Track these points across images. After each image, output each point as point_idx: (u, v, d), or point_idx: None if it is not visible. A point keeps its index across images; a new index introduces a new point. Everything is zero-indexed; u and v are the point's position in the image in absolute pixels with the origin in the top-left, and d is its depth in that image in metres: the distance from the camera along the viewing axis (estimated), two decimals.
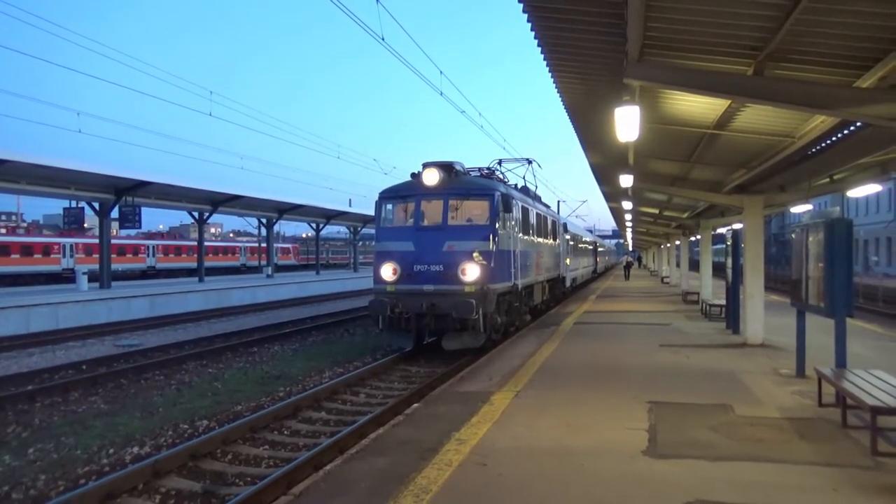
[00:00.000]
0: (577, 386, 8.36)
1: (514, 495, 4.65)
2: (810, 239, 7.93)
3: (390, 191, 13.48)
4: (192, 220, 33.67)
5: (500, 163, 17.27)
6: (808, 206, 15.62)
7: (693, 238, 28.63)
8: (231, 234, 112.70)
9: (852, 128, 7.79)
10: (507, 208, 13.03)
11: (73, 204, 28.20)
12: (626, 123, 7.51)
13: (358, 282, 40.33)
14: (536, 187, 20.89)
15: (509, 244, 13.37)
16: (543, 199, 20.98)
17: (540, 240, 17.56)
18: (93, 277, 25.27)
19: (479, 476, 5.04)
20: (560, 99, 9.53)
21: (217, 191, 28.30)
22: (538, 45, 7.11)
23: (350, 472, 5.24)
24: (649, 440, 5.89)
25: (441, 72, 15.95)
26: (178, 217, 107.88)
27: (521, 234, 14.62)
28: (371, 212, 15.13)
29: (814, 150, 9.14)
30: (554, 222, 21.30)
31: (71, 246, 42.12)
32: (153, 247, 50.12)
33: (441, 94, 16.01)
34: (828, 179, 11.78)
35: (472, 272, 11.97)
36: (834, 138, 8.42)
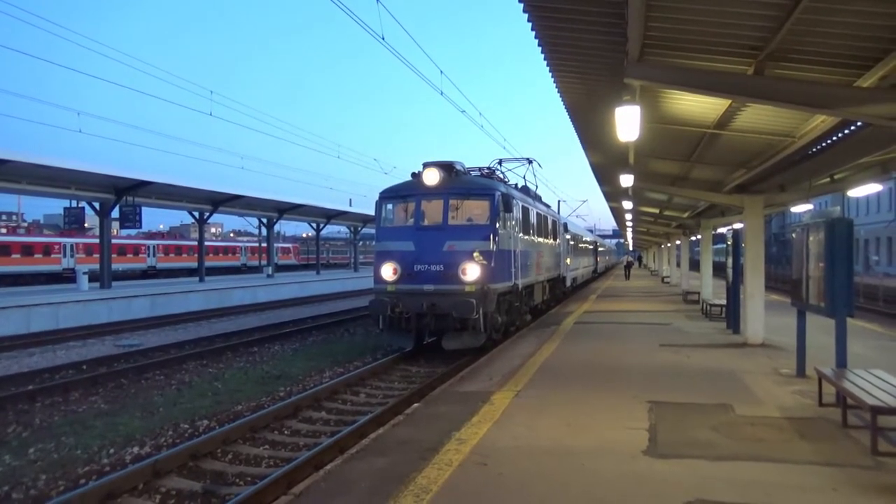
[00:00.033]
0: (577, 386, 8.36)
1: (515, 495, 4.65)
2: (811, 238, 7.92)
3: (390, 190, 13.48)
4: (193, 220, 33.67)
5: (500, 162, 17.28)
6: (809, 206, 15.62)
7: (693, 238, 28.63)
8: (231, 234, 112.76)
9: (853, 127, 7.78)
10: (508, 208, 13.02)
11: (74, 204, 28.20)
12: (627, 123, 7.51)
13: (358, 281, 40.33)
14: (537, 187, 20.90)
15: (510, 244, 13.37)
16: (544, 199, 20.99)
17: (540, 239, 17.56)
18: (93, 277, 25.28)
19: (480, 476, 5.04)
20: (560, 99, 9.53)
21: (217, 191, 28.30)
22: (538, 45, 7.11)
23: (350, 472, 5.24)
24: (650, 440, 5.89)
25: (441, 71, 15.96)
26: (179, 217, 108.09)
27: (521, 234, 14.62)
28: (371, 211, 15.13)
29: (814, 149, 9.14)
30: (554, 222, 21.30)
31: (71, 246, 42.14)
32: (153, 247, 50.13)
33: (441, 93, 16.02)
34: (828, 179, 11.78)
35: (472, 272, 11.97)
36: (834, 138, 8.42)
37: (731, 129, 9.31)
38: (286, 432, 8.31)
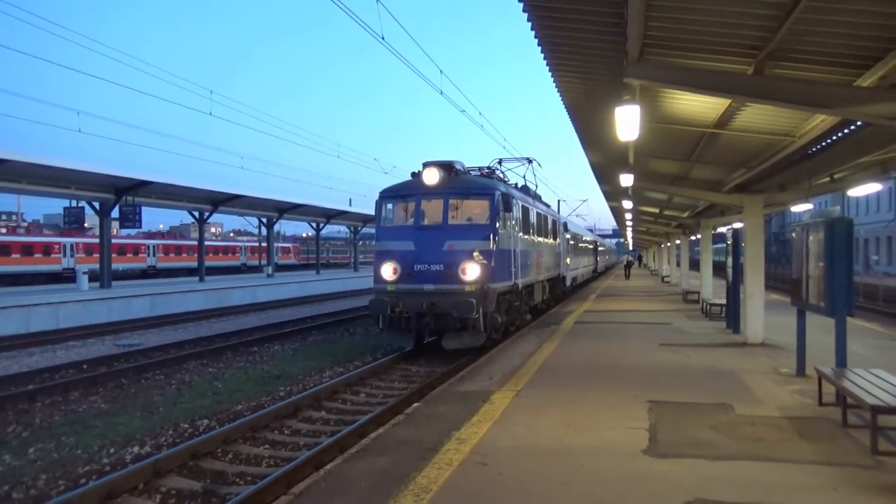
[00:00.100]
0: (577, 385, 8.36)
1: (515, 495, 4.65)
2: (810, 238, 7.93)
3: (390, 190, 13.48)
4: (193, 220, 33.66)
5: (500, 162, 17.28)
6: (809, 206, 15.62)
7: (693, 237, 28.62)
8: (231, 234, 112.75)
9: (852, 127, 7.79)
10: (508, 207, 13.02)
11: (74, 203, 28.22)
12: (627, 123, 7.51)
13: (358, 281, 40.33)
14: (537, 186, 20.88)
15: (509, 243, 13.37)
16: (544, 199, 20.98)
17: (540, 239, 17.56)
18: (93, 277, 25.29)
19: (480, 475, 5.04)
20: (560, 98, 9.53)
21: (217, 190, 28.30)
22: (538, 45, 7.11)
23: (350, 472, 5.24)
24: (650, 439, 5.89)
25: (441, 71, 15.97)
26: (179, 217, 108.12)
27: (521, 234, 14.62)
28: (371, 211, 15.12)
29: (814, 149, 9.14)
30: (554, 221, 21.29)
31: (71, 245, 42.14)
32: (153, 246, 50.13)
33: (441, 93, 16.02)
34: (828, 178, 11.78)
35: (472, 271, 11.97)
36: (834, 137, 8.42)
37: (730, 128, 9.31)
38: (286, 432, 8.31)
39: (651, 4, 5.36)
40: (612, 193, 22.90)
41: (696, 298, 20.75)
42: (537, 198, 19.13)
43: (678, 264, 34.14)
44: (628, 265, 48.43)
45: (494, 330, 12.70)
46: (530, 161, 19.30)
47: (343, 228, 57.93)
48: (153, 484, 6.31)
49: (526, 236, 15.31)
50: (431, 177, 12.63)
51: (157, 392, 10.81)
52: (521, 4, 5.89)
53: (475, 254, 12.07)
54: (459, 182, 13.01)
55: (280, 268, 50.70)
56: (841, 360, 7.22)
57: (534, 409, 7.10)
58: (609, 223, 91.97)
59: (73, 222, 28.76)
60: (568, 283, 24.59)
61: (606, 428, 6.31)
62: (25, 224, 66.66)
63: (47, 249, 40.79)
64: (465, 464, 5.29)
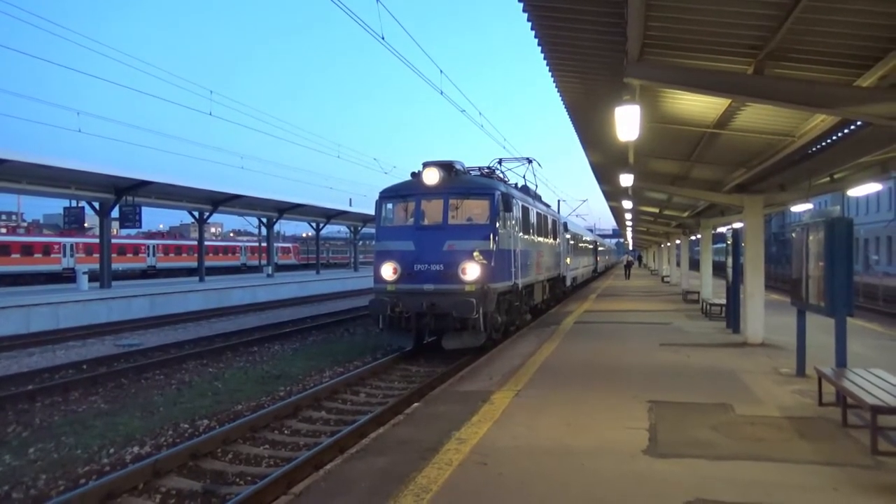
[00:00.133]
0: (577, 385, 8.36)
1: (515, 495, 4.65)
2: (810, 238, 7.93)
3: (390, 190, 13.47)
4: (193, 220, 33.66)
5: (500, 162, 17.29)
6: (809, 206, 15.62)
7: (693, 237, 28.62)
8: (231, 234, 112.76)
9: (852, 127, 7.79)
10: (508, 207, 13.02)
11: (74, 203, 28.22)
12: (627, 123, 7.50)
13: (358, 281, 40.33)
14: (537, 186, 20.88)
15: (510, 243, 13.37)
16: (544, 199, 20.98)
17: (540, 239, 17.56)
18: (93, 277, 25.29)
19: (480, 475, 5.04)
20: (560, 98, 9.53)
21: (217, 190, 28.30)
22: (538, 45, 7.11)
23: (350, 472, 5.24)
24: (650, 439, 5.89)
25: (441, 71, 15.96)
26: (179, 217, 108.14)
27: (521, 234, 14.62)
28: (371, 211, 15.12)
29: (814, 149, 9.14)
30: (554, 221, 21.29)
31: (71, 245, 42.14)
32: (153, 246, 50.13)
33: (441, 93, 16.02)
34: (828, 178, 11.77)
35: (472, 271, 11.97)
36: (834, 137, 8.42)
37: (730, 128, 9.31)
38: (286, 432, 8.31)
39: (651, 4, 5.36)
40: (612, 193, 22.90)
41: (696, 298, 20.75)
42: (537, 198, 19.13)
43: (678, 264, 34.14)
44: (628, 265, 48.46)
45: (494, 330, 12.70)
46: (530, 161, 19.31)
47: (343, 228, 57.94)
48: (153, 484, 6.31)
49: (526, 236, 15.31)
50: (431, 177, 12.63)
51: (157, 392, 10.81)
52: (521, 4, 5.89)
53: (475, 254, 12.07)
54: (459, 182, 13.01)
55: (280, 268, 50.71)
56: (841, 360, 7.22)
57: (534, 409, 7.10)
58: (609, 223, 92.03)
59: (72, 222, 28.76)
60: (568, 283, 24.59)
61: (606, 428, 6.31)
62: (25, 224, 66.65)
63: (47, 249, 40.80)
64: (465, 464, 5.29)
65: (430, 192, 12.74)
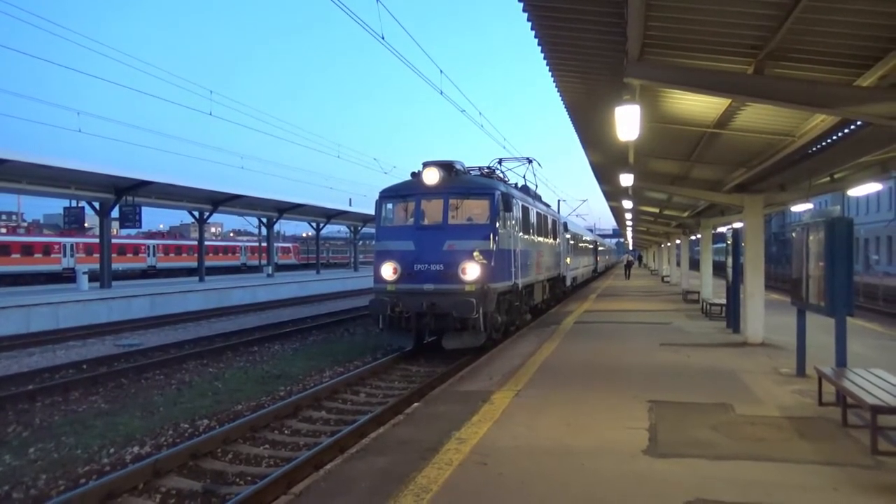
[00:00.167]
0: (577, 385, 8.36)
1: (515, 495, 4.65)
2: (811, 238, 7.92)
3: (390, 190, 13.47)
4: (193, 220, 33.65)
5: (500, 162, 17.29)
6: (809, 205, 15.63)
7: (693, 237, 28.63)
8: (231, 234, 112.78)
9: (852, 126, 7.78)
10: (508, 207, 13.02)
11: (74, 203, 28.21)
12: (627, 122, 7.50)
13: (358, 281, 40.33)
14: (537, 186, 20.89)
15: (510, 243, 13.37)
16: (544, 199, 20.99)
17: (540, 239, 17.56)
18: (93, 277, 25.28)
19: (480, 475, 5.04)
20: (560, 98, 9.53)
21: (217, 190, 28.30)
22: (538, 45, 7.10)
23: (350, 472, 5.24)
24: (650, 439, 5.89)
25: (441, 71, 15.97)
26: (179, 216, 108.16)
27: (521, 234, 14.62)
28: (371, 211, 15.13)
29: (814, 148, 9.14)
30: (554, 221, 21.29)
31: (71, 245, 42.14)
32: (153, 246, 50.14)
33: (441, 93, 16.02)
34: (828, 178, 11.78)
35: (472, 271, 11.96)
36: (834, 137, 8.42)
37: (730, 128, 9.31)
38: (286, 432, 8.31)
39: (651, 4, 5.36)
40: (612, 193, 22.90)
41: (696, 298, 20.75)
42: (537, 198, 19.13)
43: (678, 264, 34.14)
44: (628, 265, 48.46)
45: (494, 330, 12.70)
46: (530, 161, 19.31)
47: (343, 228, 57.93)
48: (153, 484, 6.31)
49: (526, 236, 15.31)
50: (431, 177, 12.63)
51: (157, 392, 10.81)
52: (521, 4, 5.89)
53: (475, 254, 12.07)
54: (459, 182, 13.01)
55: (280, 268, 50.71)
56: (841, 360, 7.22)
57: (534, 409, 7.10)
58: (609, 223, 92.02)
59: (73, 222, 28.76)
60: (568, 282, 24.59)
61: (606, 428, 6.31)
62: (25, 224, 66.66)
63: (47, 249, 40.80)
64: (465, 464, 5.29)
65: (430, 192, 12.74)
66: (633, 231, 44.05)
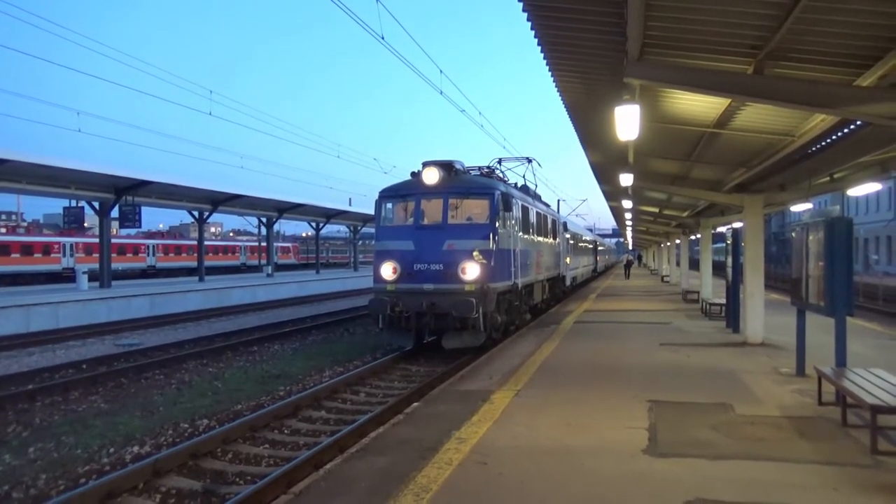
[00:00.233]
0: (577, 385, 8.36)
1: (515, 494, 4.65)
2: (810, 238, 7.93)
3: (390, 190, 13.47)
4: (192, 220, 33.65)
5: (500, 162, 17.29)
6: (809, 205, 15.64)
7: (693, 237, 28.63)
8: (231, 234, 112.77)
9: (852, 126, 7.79)
10: (507, 207, 13.02)
11: (74, 203, 28.20)
12: (626, 122, 7.51)
13: (358, 281, 40.33)
14: (536, 186, 20.89)
15: (509, 243, 13.37)
16: (543, 198, 20.99)
17: (540, 239, 17.56)
18: (93, 277, 25.28)
19: (480, 475, 5.04)
20: (560, 98, 9.53)
21: (217, 190, 28.29)
22: (538, 45, 7.11)
23: (350, 471, 5.24)
24: (649, 439, 5.89)
25: (441, 71, 15.97)
26: (178, 216, 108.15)
27: (521, 233, 14.62)
28: (371, 211, 15.13)
29: (814, 148, 9.14)
30: (554, 221, 21.29)
31: (71, 245, 42.13)
32: (153, 246, 50.13)
33: (441, 92, 16.02)
34: (828, 178, 11.78)
35: (472, 271, 11.97)
36: (834, 137, 8.42)
37: (730, 128, 9.31)
38: (286, 431, 8.31)
39: (651, 4, 5.36)
40: (612, 193, 22.90)
41: (696, 298, 20.75)
42: (537, 197, 19.13)
43: (678, 264, 34.14)
44: (628, 265, 48.51)
45: (494, 329, 12.70)
46: (530, 161, 19.31)
47: (343, 228, 57.93)
48: (153, 484, 6.31)
49: (526, 236, 15.31)
50: (431, 176, 12.63)
51: (157, 392, 10.80)
52: (521, 4, 5.89)
53: (475, 253, 12.07)
54: (459, 181, 13.00)
55: (280, 267, 50.70)
56: (841, 360, 7.22)
57: (534, 409, 7.10)
58: (609, 223, 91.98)
59: (72, 222, 28.75)
60: (568, 282, 24.59)
61: (606, 427, 6.31)
62: (25, 224, 66.62)
63: (47, 249, 40.78)
64: (464, 463, 5.29)
65: (430, 192, 12.74)
66: (633, 231, 44.05)
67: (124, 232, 48.44)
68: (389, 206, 13.41)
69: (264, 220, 39.13)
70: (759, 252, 12.06)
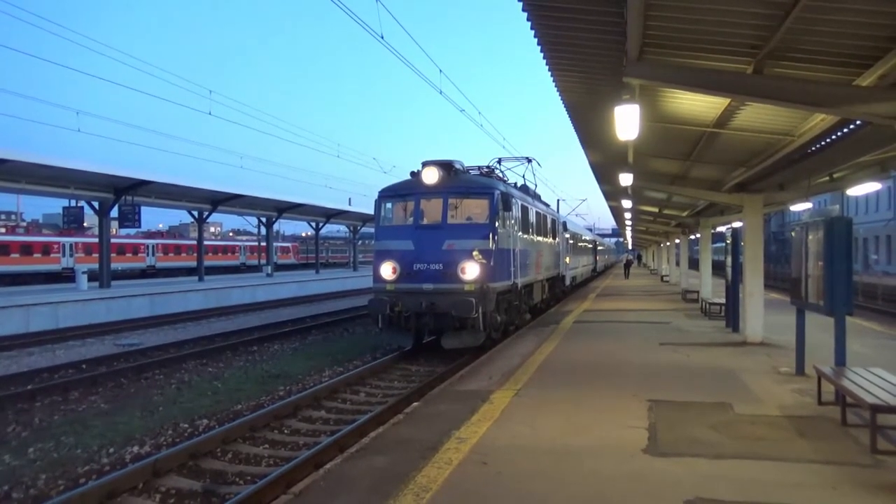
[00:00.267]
0: (577, 385, 8.36)
1: (514, 494, 4.65)
2: (810, 237, 7.93)
3: (390, 189, 13.47)
4: (192, 220, 33.64)
5: (499, 161, 17.28)
6: (808, 205, 15.63)
7: (693, 236, 28.64)
8: (230, 233, 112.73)
9: (852, 126, 7.79)
10: (507, 207, 13.02)
11: (73, 203, 28.18)
12: (626, 122, 7.51)
13: (357, 281, 40.33)
14: (536, 186, 20.89)
15: (509, 243, 13.37)
16: (543, 198, 20.99)
17: (539, 238, 17.56)
18: (92, 277, 25.26)
19: (479, 475, 5.05)
20: (560, 98, 9.53)
21: (217, 190, 28.26)
22: (538, 44, 7.11)
23: (350, 471, 5.24)
24: (649, 438, 5.90)
25: (440, 70, 15.95)
26: (178, 216, 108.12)
27: (520, 233, 14.62)
28: (370, 211, 15.13)
29: (813, 148, 9.14)
30: (553, 221, 21.29)
31: (71, 245, 42.12)
32: (153, 246, 50.10)
33: (440, 92, 16.01)
34: (827, 178, 11.79)
35: (471, 271, 11.97)
36: (833, 136, 8.42)
37: (730, 127, 9.32)
38: (286, 431, 8.31)
39: (651, 4, 5.37)
40: (612, 193, 22.90)
41: (696, 298, 20.76)
42: (537, 197, 19.13)
43: (677, 263, 34.15)
44: (628, 264, 48.55)
45: (494, 329, 12.70)
46: (530, 160, 19.30)
47: (342, 228, 57.92)
48: (153, 484, 6.31)
49: (525, 236, 15.31)
50: (431, 176, 12.63)
51: (157, 392, 10.80)
52: (521, 4, 5.89)
53: (474, 253, 12.07)
54: (459, 181, 13.00)
55: (279, 267, 50.69)
56: (840, 359, 7.23)
57: (533, 409, 7.11)
58: (608, 222, 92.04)
59: (72, 222, 28.71)
60: (567, 282, 24.60)
61: (606, 427, 6.31)
62: (25, 224, 66.55)
63: (46, 249, 40.77)
64: (464, 463, 5.30)
65: (430, 192, 12.74)
66: (633, 230, 44.06)
67: (124, 232, 48.42)
68: (389, 205, 13.41)
69: (264, 219, 39.11)
70: (758, 251, 12.07)
